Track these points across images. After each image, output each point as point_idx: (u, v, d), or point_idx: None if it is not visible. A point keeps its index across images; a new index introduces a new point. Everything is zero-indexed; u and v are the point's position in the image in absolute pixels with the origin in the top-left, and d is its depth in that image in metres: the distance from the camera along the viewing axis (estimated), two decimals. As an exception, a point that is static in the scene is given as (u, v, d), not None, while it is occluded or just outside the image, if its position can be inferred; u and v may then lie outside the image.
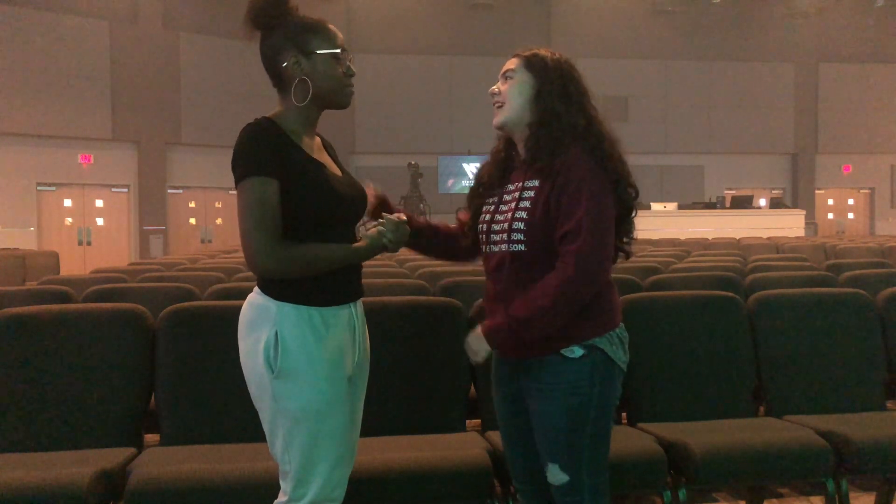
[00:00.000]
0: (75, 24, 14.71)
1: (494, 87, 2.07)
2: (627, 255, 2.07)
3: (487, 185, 2.13)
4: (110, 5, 15.21)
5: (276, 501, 1.92)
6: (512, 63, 2.06)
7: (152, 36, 15.53)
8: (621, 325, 2.03)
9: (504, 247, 1.99)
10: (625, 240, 2.04)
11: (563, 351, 1.94)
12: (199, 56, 15.91)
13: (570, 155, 1.94)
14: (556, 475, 1.97)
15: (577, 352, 1.93)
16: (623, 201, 1.98)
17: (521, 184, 2.02)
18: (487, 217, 2.08)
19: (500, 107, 2.05)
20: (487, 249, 2.07)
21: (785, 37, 19.19)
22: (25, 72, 14.17)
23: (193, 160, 16.02)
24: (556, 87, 1.99)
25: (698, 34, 18.91)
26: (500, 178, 2.11)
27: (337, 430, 1.89)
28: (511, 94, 2.03)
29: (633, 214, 2.03)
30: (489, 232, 2.06)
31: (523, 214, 1.96)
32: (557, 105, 1.98)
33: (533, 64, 2.03)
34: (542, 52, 2.05)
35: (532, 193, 1.97)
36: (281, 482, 1.92)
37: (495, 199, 2.10)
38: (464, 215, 2.22)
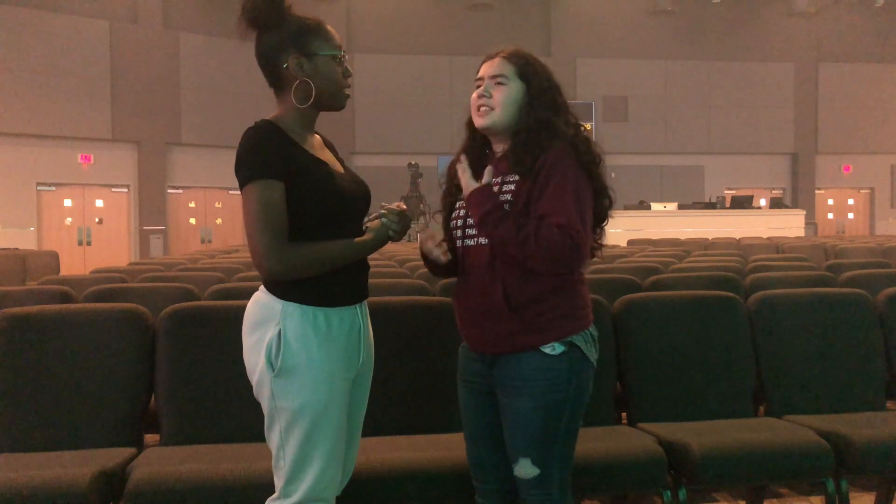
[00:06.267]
0: (75, 24, 14.70)
1: (482, 89, 2.07)
2: (591, 257, 2.12)
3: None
4: (110, 5, 15.21)
5: (270, 498, 1.92)
6: (503, 67, 2.07)
7: (152, 36, 15.53)
8: (593, 324, 2.07)
9: (483, 240, 2.01)
10: (595, 244, 2.10)
11: (543, 347, 1.96)
12: (199, 56, 15.91)
13: (551, 152, 1.97)
14: (526, 469, 1.99)
15: (558, 348, 1.97)
16: (602, 208, 2.04)
17: (499, 178, 2.04)
18: (463, 212, 2.10)
19: (488, 111, 2.06)
20: (463, 244, 2.08)
21: (785, 37, 19.18)
22: (25, 72, 14.17)
23: (193, 160, 16.02)
24: (548, 99, 2.04)
25: (698, 34, 18.90)
26: (474, 174, 2.11)
27: (333, 430, 1.89)
28: (504, 101, 2.05)
29: (606, 223, 2.09)
30: (466, 227, 2.08)
31: (506, 207, 1.97)
32: (549, 114, 2.02)
33: (526, 73, 2.06)
34: (531, 58, 2.09)
35: (513, 187, 2.00)
36: (274, 477, 1.92)
37: None
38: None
